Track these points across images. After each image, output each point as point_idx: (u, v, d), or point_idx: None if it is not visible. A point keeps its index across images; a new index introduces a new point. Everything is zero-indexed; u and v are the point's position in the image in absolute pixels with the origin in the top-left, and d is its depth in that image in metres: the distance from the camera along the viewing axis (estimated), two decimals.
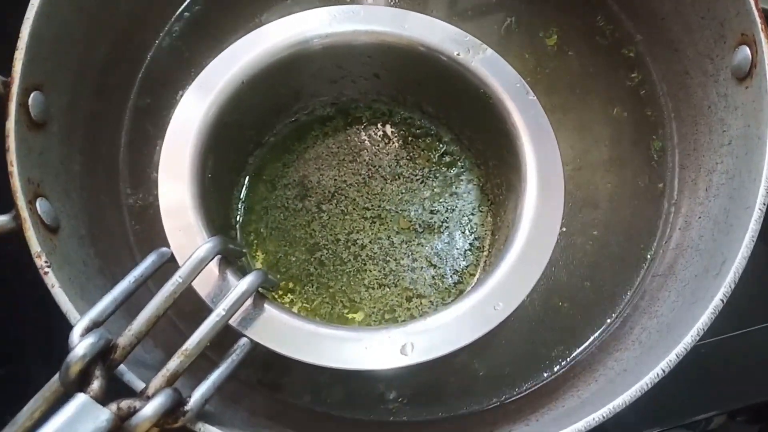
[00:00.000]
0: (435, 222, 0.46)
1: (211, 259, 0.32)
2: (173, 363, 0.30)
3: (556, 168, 0.38)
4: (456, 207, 0.46)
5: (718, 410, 0.51)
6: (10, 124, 0.34)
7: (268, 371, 0.42)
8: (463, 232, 0.46)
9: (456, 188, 0.47)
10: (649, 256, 0.43)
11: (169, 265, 0.33)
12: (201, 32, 0.47)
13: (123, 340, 0.29)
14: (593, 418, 0.30)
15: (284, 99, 0.45)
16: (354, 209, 0.46)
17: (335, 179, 0.47)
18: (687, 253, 0.39)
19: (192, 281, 0.31)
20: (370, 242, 0.46)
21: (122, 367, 0.31)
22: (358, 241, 0.46)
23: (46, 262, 0.32)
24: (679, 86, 0.43)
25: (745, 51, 0.36)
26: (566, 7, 0.48)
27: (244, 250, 0.44)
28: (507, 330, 0.43)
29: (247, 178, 0.47)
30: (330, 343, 0.34)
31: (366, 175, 0.47)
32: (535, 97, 0.39)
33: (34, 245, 0.32)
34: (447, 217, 0.46)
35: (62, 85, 0.38)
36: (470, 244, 0.46)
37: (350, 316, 0.44)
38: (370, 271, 0.45)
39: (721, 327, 0.50)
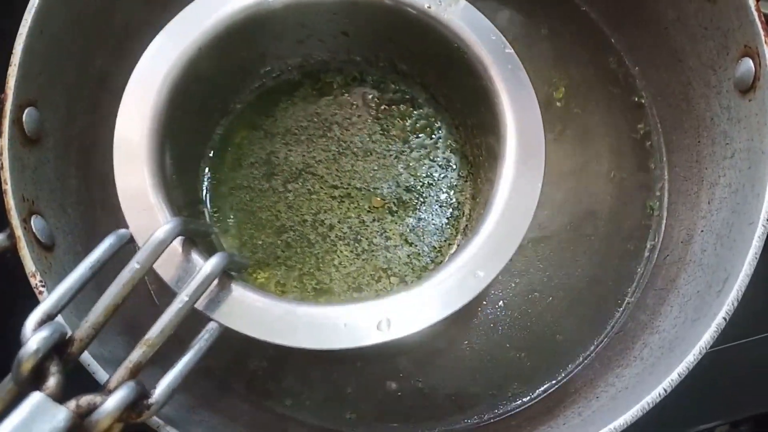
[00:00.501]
0: (410, 199, 0.44)
1: (172, 241, 0.30)
2: (135, 354, 0.28)
3: (536, 126, 0.36)
4: (434, 179, 0.45)
5: (721, 420, 0.51)
6: (4, 142, 0.33)
7: (244, 374, 0.42)
8: (441, 205, 0.44)
9: (433, 157, 0.45)
10: (639, 271, 0.43)
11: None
12: None
13: (80, 332, 0.28)
14: None
15: (248, 63, 0.43)
16: (321, 188, 0.44)
17: (304, 155, 0.45)
18: (689, 267, 0.38)
19: (151, 266, 0.30)
20: (338, 222, 0.44)
21: (88, 358, 0.31)
22: (326, 222, 0.44)
23: (41, 281, 0.32)
24: (682, 97, 0.42)
25: (749, 63, 0.36)
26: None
27: (212, 229, 0.43)
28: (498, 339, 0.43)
29: (213, 150, 0.45)
30: (303, 322, 0.32)
31: (336, 152, 0.45)
32: (513, 51, 0.37)
33: (29, 264, 0.32)
34: (423, 192, 0.44)
35: (57, 100, 0.38)
36: (449, 214, 0.44)
37: (320, 298, 0.43)
38: (341, 251, 0.43)
39: (725, 336, 0.49)
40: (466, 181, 0.45)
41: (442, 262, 0.43)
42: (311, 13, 0.40)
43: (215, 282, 0.32)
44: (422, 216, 0.44)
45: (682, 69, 0.42)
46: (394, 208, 0.44)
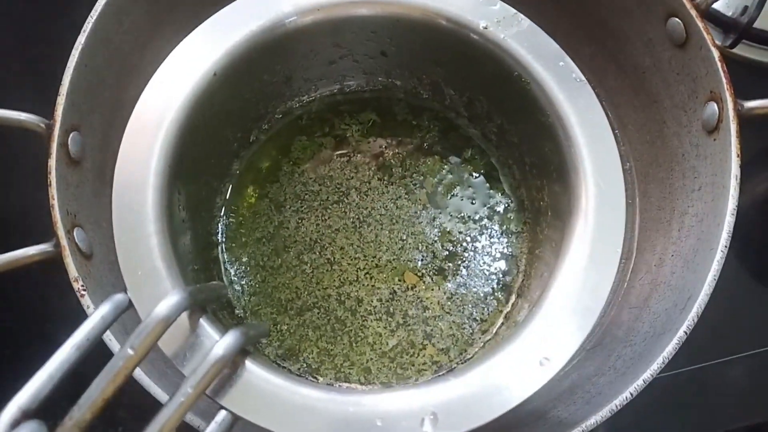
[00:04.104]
0: (450, 267, 0.39)
1: (176, 318, 0.26)
2: None
3: (615, 174, 0.31)
4: (479, 234, 0.39)
5: None
6: (52, 162, 0.38)
7: None
8: (490, 265, 0.39)
9: (477, 211, 0.40)
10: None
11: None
12: None
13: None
14: None
15: (271, 87, 0.39)
16: (342, 257, 0.40)
17: (317, 224, 0.40)
18: (660, 288, 0.42)
19: (149, 351, 0.25)
20: (366, 295, 0.39)
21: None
22: (352, 294, 0.39)
23: (82, 286, 0.36)
24: (657, 134, 0.46)
25: (714, 107, 0.40)
26: None
27: (225, 290, 0.40)
28: None
29: (231, 185, 0.42)
30: (331, 415, 0.28)
31: (356, 219, 0.40)
32: (585, 80, 0.33)
33: (72, 271, 0.36)
34: (467, 255, 0.39)
35: (96, 126, 0.42)
36: (500, 274, 0.39)
37: (355, 382, 0.39)
38: (374, 328, 0.39)
39: (694, 358, 0.53)
40: (522, 232, 0.40)
41: (489, 331, 0.38)
42: (347, 31, 0.35)
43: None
44: (465, 281, 0.39)
45: (657, 109, 0.46)
46: (431, 281, 0.40)
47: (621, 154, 0.46)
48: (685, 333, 0.35)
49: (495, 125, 0.41)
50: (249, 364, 0.29)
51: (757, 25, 0.53)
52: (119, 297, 0.27)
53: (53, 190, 0.37)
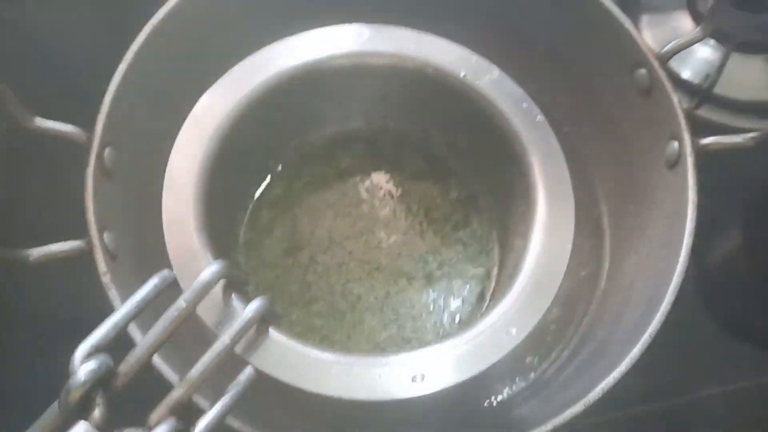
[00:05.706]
0: (437, 273, 0.46)
1: (216, 283, 0.32)
2: (176, 393, 0.29)
3: (564, 189, 0.38)
4: (461, 246, 0.47)
5: None
6: (89, 171, 0.42)
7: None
8: (469, 272, 0.46)
9: (461, 230, 0.47)
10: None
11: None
12: None
13: (124, 367, 0.28)
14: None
15: (287, 124, 0.46)
16: (350, 260, 0.47)
17: (330, 231, 0.48)
18: (631, 305, 0.46)
19: (196, 306, 0.31)
20: (365, 292, 0.46)
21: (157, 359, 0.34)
22: (354, 291, 0.46)
23: (110, 280, 0.40)
24: (628, 173, 0.52)
25: (675, 145, 0.46)
26: None
27: (247, 280, 0.46)
28: None
29: (251, 206, 0.48)
30: (338, 371, 0.34)
31: (363, 228, 0.48)
32: (544, 118, 0.40)
33: (101, 266, 0.40)
34: (450, 263, 0.46)
35: (127, 144, 0.46)
36: (476, 281, 0.46)
37: None
38: (369, 322, 0.46)
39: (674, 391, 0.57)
40: (494, 246, 0.47)
41: (467, 325, 0.42)
42: (357, 77, 0.42)
43: (253, 327, 0.34)
44: (448, 285, 0.47)
45: (628, 151, 0.51)
46: (419, 284, 0.47)
47: (597, 195, 0.53)
48: (650, 337, 0.39)
49: (473, 158, 0.49)
50: (271, 330, 0.35)
51: (717, 90, 0.60)
52: (166, 273, 0.32)
53: (89, 197, 0.42)
